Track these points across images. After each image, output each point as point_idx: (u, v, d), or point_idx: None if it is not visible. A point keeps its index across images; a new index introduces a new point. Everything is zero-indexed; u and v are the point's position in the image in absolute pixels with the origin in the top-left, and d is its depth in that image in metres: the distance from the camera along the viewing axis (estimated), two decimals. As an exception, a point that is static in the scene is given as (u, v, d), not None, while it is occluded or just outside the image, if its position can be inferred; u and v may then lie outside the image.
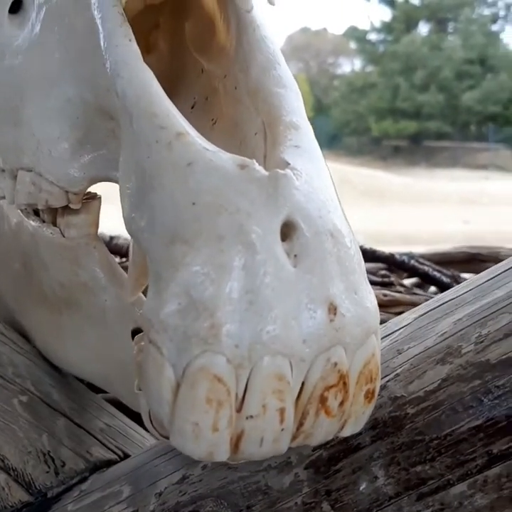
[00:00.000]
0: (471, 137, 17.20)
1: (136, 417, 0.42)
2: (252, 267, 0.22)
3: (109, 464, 0.37)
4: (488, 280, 0.29)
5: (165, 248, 0.23)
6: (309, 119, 0.29)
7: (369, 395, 0.24)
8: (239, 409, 0.23)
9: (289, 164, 0.25)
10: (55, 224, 0.36)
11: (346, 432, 0.25)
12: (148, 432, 0.39)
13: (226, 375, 0.22)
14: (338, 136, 15.92)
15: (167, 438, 0.26)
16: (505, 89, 16.70)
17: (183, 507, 0.30)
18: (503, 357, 0.26)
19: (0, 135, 0.35)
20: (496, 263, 0.79)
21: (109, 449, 0.38)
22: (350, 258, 0.24)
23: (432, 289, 0.72)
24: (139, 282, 0.27)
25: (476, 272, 0.84)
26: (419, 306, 0.31)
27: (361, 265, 0.25)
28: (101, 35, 0.28)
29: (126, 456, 0.38)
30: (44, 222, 0.36)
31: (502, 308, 0.27)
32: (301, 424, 0.23)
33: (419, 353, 0.28)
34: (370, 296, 0.25)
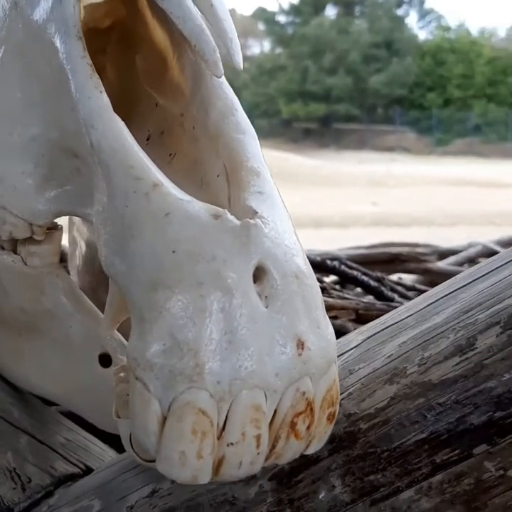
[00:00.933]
0: (378, 120, 17.57)
1: (92, 430, 0.44)
2: (229, 309, 0.25)
3: (72, 477, 0.39)
4: (427, 306, 0.32)
5: (147, 293, 0.26)
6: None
7: (331, 417, 0.28)
8: (219, 437, 0.25)
9: (256, 213, 0.27)
10: (15, 252, 0.37)
11: (310, 451, 0.28)
12: (108, 445, 0.42)
13: (209, 409, 0.25)
14: (249, 119, 15.97)
15: (147, 461, 0.29)
16: (410, 72, 17.10)
17: (155, 518, 0.33)
18: (443, 377, 0.29)
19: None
20: (416, 262, 0.84)
21: (71, 463, 0.40)
22: (312, 296, 0.27)
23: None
24: (116, 320, 0.30)
25: (398, 271, 0.89)
26: (365, 327, 0.34)
27: (321, 301, 0.28)
28: (71, 85, 0.30)
29: (89, 469, 0.40)
30: (3, 249, 0.38)
31: (441, 333, 0.30)
32: (273, 447, 0.26)
33: (369, 374, 0.31)
34: (329, 329, 0.28)
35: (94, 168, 0.29)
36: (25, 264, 0.36)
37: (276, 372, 0.25)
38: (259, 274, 0.26)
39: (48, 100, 0.33)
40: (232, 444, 0.25)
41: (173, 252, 0.26)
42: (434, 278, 0.84)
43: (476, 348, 0.29)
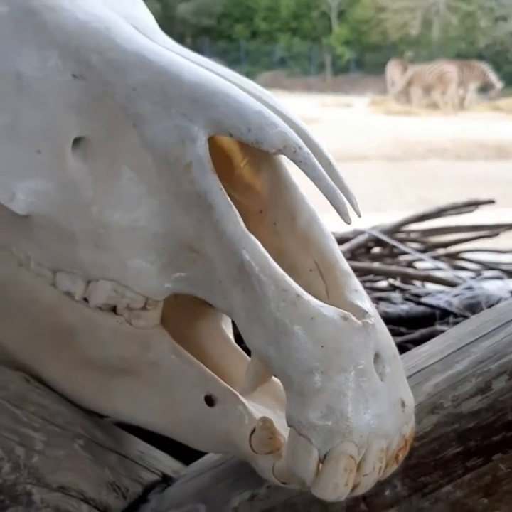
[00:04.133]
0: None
1: (147, 440, 0.54)
2: (364, 386, 0.37)
3: (155, 484, 0.50)
4: (448, 355, 0.46)
5: (305, 376, 0.37)
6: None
7: (411, 445, 0.41)
8: (357, 470, 0.38)
9: (366, 312, 0.40)
10: (115, 312, 0.46)
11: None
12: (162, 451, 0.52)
13: (355, 454, 0.37)
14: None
15: (284, 484, 0.41)
16: (217, 2, 17.07)
17: (257, 516, 0.45)
18: (471, 410, 0.43)
19: (79, 252, 0.44)
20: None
21: (151, 472, 0.51)
22: (402, 367, 0.40)
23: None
24: (257, 386, 0.41)
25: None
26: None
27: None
28: (214, 213, 0.40)
29: (164, 476, 0.51)
30: (101, 310, 0.46)
31: (464, 377, 0.44)
32: (383, 471, 0.39)
33: (416, 406, 0.44)
34: (408, 386, 0.41)
35: (242, 277, 0.39)
36: (130, 324, 0.46)
37: (391, 425, 0.38)
38: (375, 358, 0.39)
39: (171, 209, 0.42)
40: (366, 474, 0.38)
41: (322, 347, 0.37)
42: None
43: (492, 389, 0.43)
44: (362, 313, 0.40)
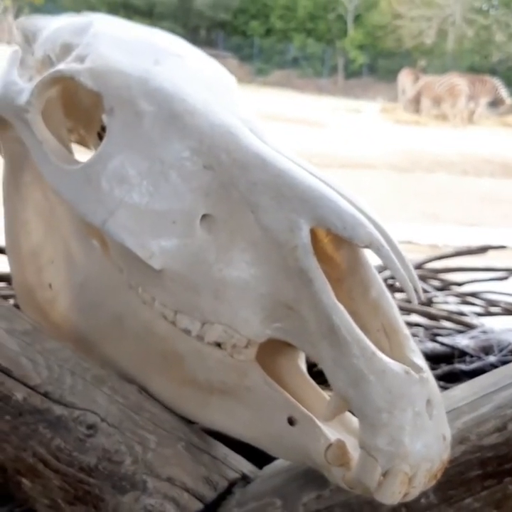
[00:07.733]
0: (200, 42, 17.50)
1: (229, 445, 0.68)
2: (418, 423, 0.52)
3: (236, 481, 0.64)
4: (473, 400, 0.60)
5: (376, 413, 0.51)
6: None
7: (446, 467, 0.55)
8: (409, 483, 0.52)
9: (421, 368, 0.54)
10: (219, 347, 0.60)
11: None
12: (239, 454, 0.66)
13: (408, 471, 0.51)
14: (69, 28, 15.30)
15: (350, 488, 0.55)
16: (235, -2, 17.13)
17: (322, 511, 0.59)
18: (491, 443, 0.58)
19: (199, 301, 0.58)
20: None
21: (234, 470, 0.65)
22: (444, 410, 0.54)
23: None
24: (335, 415, 0.55)
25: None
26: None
27: (443, 409, 0.55)
28: (312, 285, 0.54)
29: (244, 475, 0.65)
30: (208, 343, 0.60)
31: (486, 418, 0.58)
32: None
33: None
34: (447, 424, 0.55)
35: (331, 335, 0.53)
36: (232, 357, 0.60)
37: (435, 453, 0.52)
38: (426, 402, 0.53)
39: (276, 276, 0.56)
40: (414, 487, 0.52)
41: (389, 393, 0.52)
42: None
43: (507, 429, 0.58)
44: (419, 369, 0.54)
